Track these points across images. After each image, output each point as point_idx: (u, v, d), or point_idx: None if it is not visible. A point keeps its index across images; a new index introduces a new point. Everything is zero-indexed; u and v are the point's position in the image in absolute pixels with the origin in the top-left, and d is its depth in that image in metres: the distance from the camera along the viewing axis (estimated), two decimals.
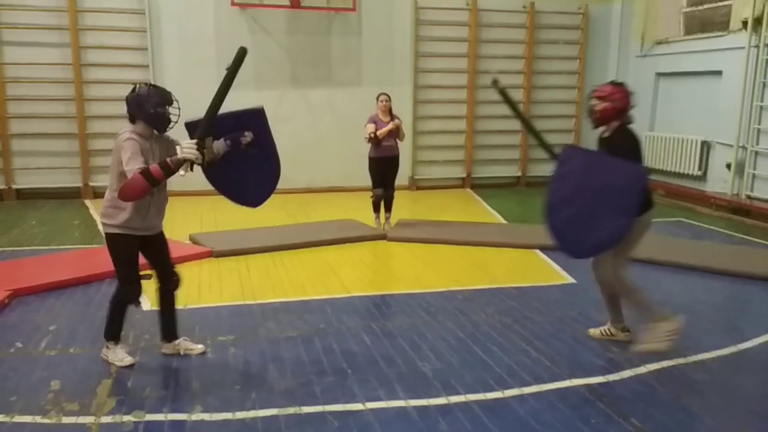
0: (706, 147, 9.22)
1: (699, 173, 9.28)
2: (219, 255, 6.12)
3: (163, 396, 3.39)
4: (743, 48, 8.45)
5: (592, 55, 10.85)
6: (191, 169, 3.53)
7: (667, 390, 3.54)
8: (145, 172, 3.38)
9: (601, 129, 3.99)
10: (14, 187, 8.97)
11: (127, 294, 3.75)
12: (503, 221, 7.98)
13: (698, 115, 9.40)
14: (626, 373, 3.73)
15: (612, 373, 3.73)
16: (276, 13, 9.35)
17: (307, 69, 9.60)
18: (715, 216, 8.54)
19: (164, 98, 3.63)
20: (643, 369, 3.78)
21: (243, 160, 3.91)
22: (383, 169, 7.00)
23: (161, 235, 3.86)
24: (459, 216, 8.11)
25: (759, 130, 8.41)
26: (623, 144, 3.78)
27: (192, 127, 3.80)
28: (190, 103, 9.89)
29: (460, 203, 9.32)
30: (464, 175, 10.54)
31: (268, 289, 5.22)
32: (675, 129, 9.82)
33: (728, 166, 8.77)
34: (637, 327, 4.08)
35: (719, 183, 8.99)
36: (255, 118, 4.00)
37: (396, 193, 7.26)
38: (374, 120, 6.91)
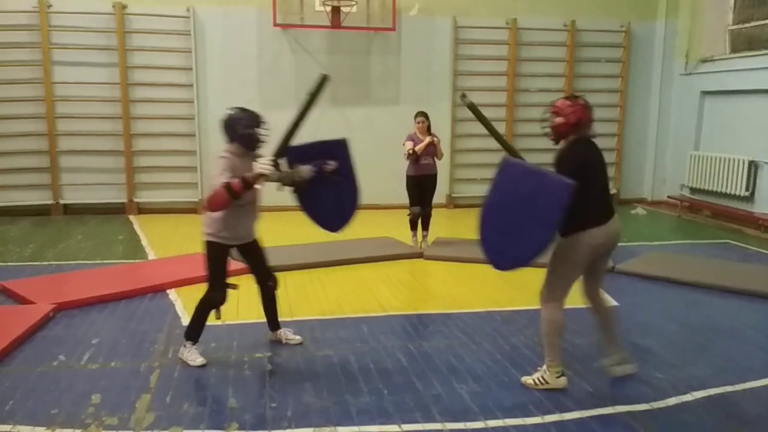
0: (753, 167, 8.96)
1: (746, 194, 9.01)
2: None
3: (200, 412, 3.41)
4: None
5: (634, 73, 10.69)
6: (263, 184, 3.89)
7: (715, 419, 3.42)
8: (227, 186, 3.71)
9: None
10: (62, 202, 9.22)
11: (213, 298, 4.05)
12: None
13: (745, 135, 9.15)
14: (671, 401, 3.61)
15: (657, 400, 3.61)
16: (317, 33, 9.48)
17: (347, 88, 9.69)
18: (763, 238, 8.27)
19: (253, 120, 3.96)
20: (689, 397, 3.65)
21: (327, 187, 4.22)
22: (421, 187, 6.99)
23: (256, 243, 4.22)
24: None
25: None
26: (566, 157, 3.59)
27: (297, 151, 4.23)
28: None
29: None
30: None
31: (305, 306, 5.23)
32: (721, 148, 9.58)
33: None
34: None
35: (767, 204, 8.71)
36: (339, 148, 4.31)
37: (433, 212, 7.24)
38: (412, 138, 6.92)
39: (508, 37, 10.13)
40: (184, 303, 5.22)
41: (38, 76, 8.88)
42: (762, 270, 6.63)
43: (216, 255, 4.01)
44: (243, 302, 5.30)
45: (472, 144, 10.23)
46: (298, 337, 4.43)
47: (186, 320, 4.76)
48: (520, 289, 5.72)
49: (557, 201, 3.30)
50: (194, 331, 4.09)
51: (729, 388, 3.77)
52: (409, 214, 7.12)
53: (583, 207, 3.43)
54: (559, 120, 3.66)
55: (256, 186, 3.82)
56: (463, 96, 4.29)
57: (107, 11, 8.93)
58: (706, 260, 6.90)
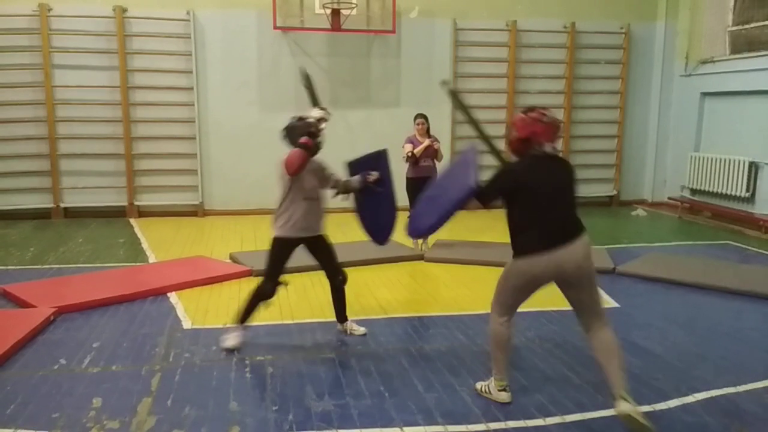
0: (754, 168, 8.96)
1: (747, 195, 9.02)
2: (259, 274, 6.10)
3: (202, 416, 3.40)
4: None
5: (634, 74, 10.70)
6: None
7: (716, 420, 3.41)
8: (298, 145, 4.10)
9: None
10: (62, 205, 9.23)
11: (264, 290, 4.33)
12: None
13: (745, 136, 9.16)
14: (673, 403, 3.61)
15: (658, 402, 3.60)
16: (317, 36, 9.49)
17: (347, 90, 9.70)
18: (763, 239, 8.27)
19: (308, 128, 4.21)
20: (690, 398, 3.65)
21: (373, 198, 4.52)
22: (420, 189, 6.92)
23: (323, 239, 4.44)
24: (497, 237, 7.99)
25: None
26: (498, 172, 3.46)
27: (352, 167, 4.60)
28: (234, 123, 10.10)
29: (499, 224, 9.14)
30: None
31: (306, 309, 5.23)
32: (721, 150, 9.58)
33: None
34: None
35: None
36: (379, 159, 4.56)
37: None
38: (411, 140, 6.92)
39: (508, 39, 10.14)
40: (185, 306, 5.22)
41: (39, 79, 8.89)
42: (763, 271, 6.62)
43: (279, 249, 4.31)
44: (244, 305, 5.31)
45: None
46: (362, 329, 4.63)
47: (187, 324, 4.80)
48: None
49: (454, 195, 3.38)
50: (242, 316, 4.37)
51: (731, 390, 3.76)
52: (408, 217, 7.10)
53: (517, 231, 3.33)
54: (513, 134, 3.38)
55: (321, 127, 4.19)
56: (444, 82, 4.37)
57: (107, 14, 8.95)
58: (706, 261, 6.90)
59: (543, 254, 3.22)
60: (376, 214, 4.65)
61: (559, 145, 10.28)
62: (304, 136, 4.13)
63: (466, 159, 3.59)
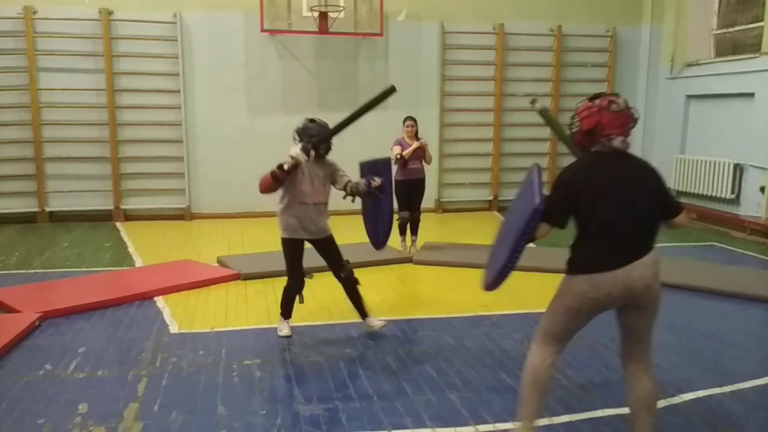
0: (738, 170, 9.05)
1: (732, 196, 9.10)
2: (246, 278, 6.14)
3: (189, 420, 3.38)
4: None
5: (620, 77, 10.77)
6: (293, 168, 4.26)
7: (703, 421, 3.44)
8: (271, 171, 4.24)
9: None
10: (47, 209, 9.14)
11: (291, 287, 4.57)
12: (531, 245, 7.88)
13: (730, 138, 9.25)
14: (660, 403, 3.60)
15: None
16: (304, 38, 9.48)
17: (335, 93, 9.69)
18: (749, 240, 8.35)
19: (316, 131, 4.39)
20: (677, 399, 3.68)
21: (375, 203, 4.63)
22: (409, 191, 7.00)
23: (327, 240, 4.54)
24: (485, 239, 7.95)
25: None
26: (558, 176, 2.91)
27: (363, 167, 4.72)
28: (221, 126, 10.05)
29: (487, 226, 9.23)
30: (491, 198, 10.48)
31: (294, 313, 5.18)
32: (706, 152, 9.67)
33: (762, 189, 8.58)
34: None
35: (753, 206, 8.79)
36: (384, 167, 4.70)
37: (422, 216, 7.24)
38: (400, 143, 6.93)
39: (495, 42, 10.18)
40: (172, 310, 5.19)
41: (24, 82, 8.81)
42: (748, 272, 6.69)
43: (288, 249, 4.48)
44: (231, 309, 5.29)
45: (460, 149, 10.27)
46: (380, 322, 4.69)
47: (173, 328, 4.78)
48: (509, 293, 5.72)
49: (522, 223, 2.78)
50: (284, 311, 4.67)
51: (717, 390, 3.79)
52: (397, 219, 7.12)
53: (577, 244, 2.83)
54: (576, 127, 2.91)
55: (285, 166, 4.21)
56: (533, 101, 4.05)
57: (93, 17, 8.89)
58: (692, 263, 6.95)
59: (610, 272, 2.69)
60: (375, 219, 4.76)
61: (547, 147, 10.43)
62: (313, 139, 4.33)
63: (529, 181, 2.91)
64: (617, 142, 2.78)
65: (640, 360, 2.88)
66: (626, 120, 2.81)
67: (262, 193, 4.35)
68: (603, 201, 2.73)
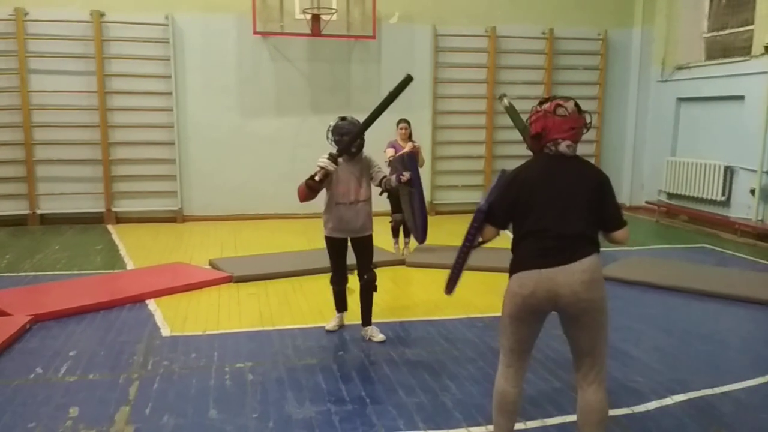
0: (729, 172, 9.11)
1: (722, 199, 9.16)
2: (239, 280, 6.13)
3: (180, 424, 3.37)
4: (766, 73, 8.37)
5: (612, 80, 10.83)
6: (324, 177, 4.31)
7: (695, 422, 3.45)
8: (306, 183, 4.32)
9: None
10: (38, 212, 9.09)
11: (331, 282, 4.75)
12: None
13: (721, 140, 9.31)
14: (652, 405, 3.64)
15: (638, 404, 3.64)
16: (297, 41, 9.47)
17: (327, 96, 9.69)
18: (739, 242, 8.39)
19: (347, 128, 4.44)
20: (669, 400, 3.69)
21: (412, 198, 4.79)
22: (402, 193, 6.98)
23: (364, 240, 4.57)
24: None
25: None
26: (504, 177, 2.94)
27: (396, 163, 4.90)
28: (213, 128, 10.03)
29: None
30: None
31: (287, 315, 5.20)
32: (697, 154, 9.73)
33: (752, 191, 8.64)
34: None
35: (743, 209, 8.85)
36: (410, 160, 4.86)
37: None
38: (393, 145, 6.92)
39: (488, 44, 10.21)
40: (163, 313, 5.16)
41: (14, 84, 8.77)
42: (738, 274, 6.73)
43: (328, 247, 4.59)
44: (223, 312, 5.27)
45: (452, 151, 10.29)
46: (381, 336, 4.63)
47: (165, 331, 4.76)
48: (501, 295, 5.72)
49: (473, 222, 2.88)
50: (335, 305, 4.84)
51: (708, 392, 3.81)
52: (390, 221, 7.12)
53: (514, 247, 2.82)
54: (526, 130, 2.95)
55: (316, 178, 4.27)
56: (502, 97, 4.27)
57: (85, 19, 8.85)
58: (683, 264, 6.99)
59: (530, 273, 2.69)
60: (412, 214, 4.90)
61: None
62: (337, 138, 4.41)
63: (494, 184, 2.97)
64: (563, 147, 2.77)
65: (585, 373, 2.78)
66: (574, 124, 2.79)
67: (302, 201, 4.40)
68: (537, 203, 2.73)
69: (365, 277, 4.62)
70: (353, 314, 5.01)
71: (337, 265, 4.66)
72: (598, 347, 2.76)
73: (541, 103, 2.88)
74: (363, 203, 4.50)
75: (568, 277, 2.63)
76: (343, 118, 4.53)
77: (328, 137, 4.48)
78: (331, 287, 4.79)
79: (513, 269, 2.80)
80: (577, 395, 2.86)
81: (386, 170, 6.98)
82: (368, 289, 4.64)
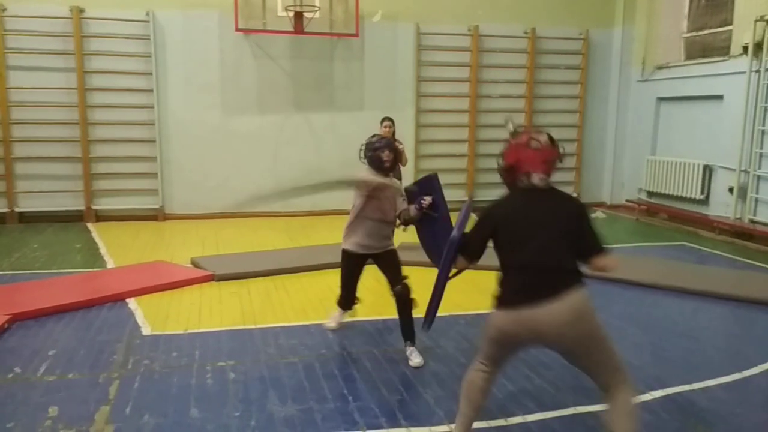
0: (708, 171, 9.23)
1: (701, 197, 9.28)
2: (220, 279, 6.10)
3: (161, 423, 3.35)
4: (744, 73, 8.50)
5: (593, 79, 10.92)
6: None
7: (673, 418, 3.50)
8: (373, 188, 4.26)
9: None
10: (17, 210, 8.98)
11: (339, 298, 4.74)
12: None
13: (700, 140, 9.43)
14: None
15: None
16: (279, 38, 9.44)
17: (310, 93, 9.67)
18: (718, 240, 8.51)
19: (378, 146, 4.33)
20: (648, 396, 3.73)
21: (431, 223, 4.28)
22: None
23: (388, 254, 4.43)
24: None
25: (761, 155, 8.41)
26: (482, 212, 2.93)
27: (408, 194, 4.38)
28: (195, 126, 9.96)
29: None
30: (466, 198, 10.54)
31: (269, 314, 5.19)
32: (676, 153, 9.85)
33: (731, 190, 8.77)
34: None
35: (722, 207, 8.98)
36: (431, 183, 4.34)
37: None
38: None
39: (470, 43, 10.24)
40: (144, 312, 5.13)
41: None
42: (717, 271, 6.82)
43: (344, 261, 4.51)
44: (205, 311, 5.25)
45: (435, 149, 10.31)
46: (417, 361, 4.17)
47: (146, 330, 4.73)
48: (484, 293, 5.73)
49: (446, 254, 2.91)
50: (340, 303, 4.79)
51: (686, 387, 3.86)
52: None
53: (499, 278, 2.80)
54: (500, 163, 2.91)
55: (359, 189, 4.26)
56: (507, 121, 4.03)
57: (64, 15, 8.76)
58: (663, 262, 7.07)
59: (510, 312, 2.67)
60: (433, 238, 4.33)
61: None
62: (370, 154, 4.31)
63: (459, 216, 3.01)
64: (536, 179, 2.76)
65: (606, 386, 2.77)
66: (547, 157, 2.77)
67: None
68: (515, 239, 2.72)
69: (397, 287, 4.34)
70: (333, 312, 5.02)
71: (348, 286, 4.60)
72: (603, 364, 2.74)
73: (514, 135, 2.89)
74: (391, 223, 4.46)
75: (553, 317, 2.58)
76: (374, 136, 4.51)
77: (361, 157, 4.39)
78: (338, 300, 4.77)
79: (497, 303, 2.78)
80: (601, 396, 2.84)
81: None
82: (403, 302, 4.31)
